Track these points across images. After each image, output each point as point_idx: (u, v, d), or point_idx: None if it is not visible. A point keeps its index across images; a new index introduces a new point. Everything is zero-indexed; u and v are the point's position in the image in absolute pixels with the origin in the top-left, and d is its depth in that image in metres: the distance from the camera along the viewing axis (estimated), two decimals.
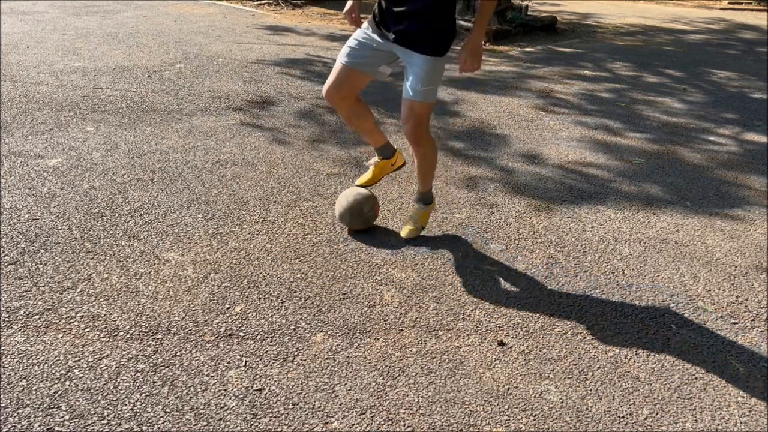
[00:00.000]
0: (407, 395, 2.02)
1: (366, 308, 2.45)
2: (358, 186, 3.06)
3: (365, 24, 2.69)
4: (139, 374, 2.04)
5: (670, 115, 5.10)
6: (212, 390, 2.00)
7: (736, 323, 2.47)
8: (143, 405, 1.92)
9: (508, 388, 2.07)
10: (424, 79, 2.58)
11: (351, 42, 2.70)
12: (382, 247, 2.89)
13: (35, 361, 2.07)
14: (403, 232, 2.97)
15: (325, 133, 4.27)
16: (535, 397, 2.04)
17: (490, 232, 3.08)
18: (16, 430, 1.81)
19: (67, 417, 1.86)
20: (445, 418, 1.93)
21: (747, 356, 2.28)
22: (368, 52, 2.67)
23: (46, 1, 8.87)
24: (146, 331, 2.25)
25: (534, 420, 1.95)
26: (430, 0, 2.49)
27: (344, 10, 2.76)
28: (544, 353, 2.25)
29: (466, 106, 5.08)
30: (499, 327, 2.38)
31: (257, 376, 2.06)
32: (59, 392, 1.95)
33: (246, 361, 2.13)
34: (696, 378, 2.16)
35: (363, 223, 2.97)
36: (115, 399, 1.94)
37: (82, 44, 6.41)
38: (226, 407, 1.93)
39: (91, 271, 2.59)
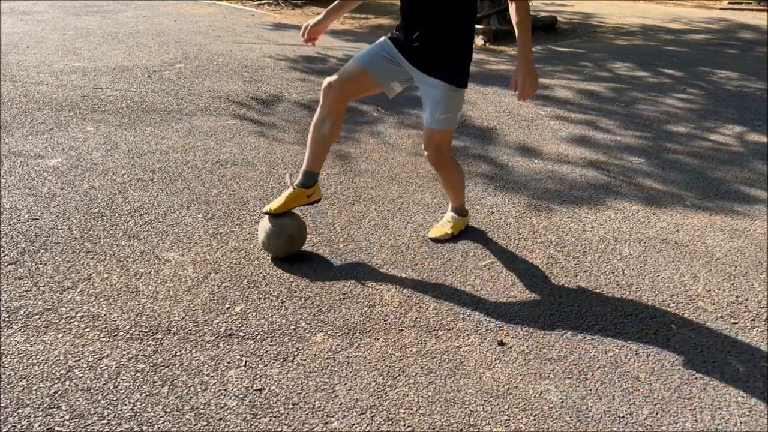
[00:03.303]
0: (407, 395, 2.02)
1: (366, 308, 2.45)
2: (266, 212, 2.69)
3: (386, 38, 2.65)
4: (139, 374, 2.04)
5: (670, 115, 5.10)
6: (212, 390, 2.00)
7: (736, 323, 2.47)
8: (143, 405, 1.92)
9: (508, 388, 2.07)
10: (442, 106, 2.59)
11: (374, 48, 2.64)
12: (382, 246, 2.89)
13: (35, 361, 2.07)
14: (430, 232, 2.98)
15: None
16: (535, 397, 2.04)
17: (490, 232, 3.08)
18: (16, 430, 1.81)
19: (67, 417, 1.86)
20: (445, 418, 1.93)
21: (747, 356, 2.28)
22: (387, 64, 2.62)
23: (46, 1, 8.87)
24: (146, 331, 2.25)
25: (534, 420, 1.95)
26: (447, 31, 2.50)
27: (311, 23, 2.71)
28: (544, 353, 2.25)
29: (466, 106, 5.08)
30: (499, 327, 2.38)
31: (257, 376, 2.06)
32: (59, 392, 1.95)
33: (246, 361, 2.13)
34: (696, 378, 2.16)
35: (286, 245, 2.69)
36: (115, 399, 1.94)
37: (82, 44, 6.41)
38: (226, 407, 1.93)
39: (91, 271, 2.59)
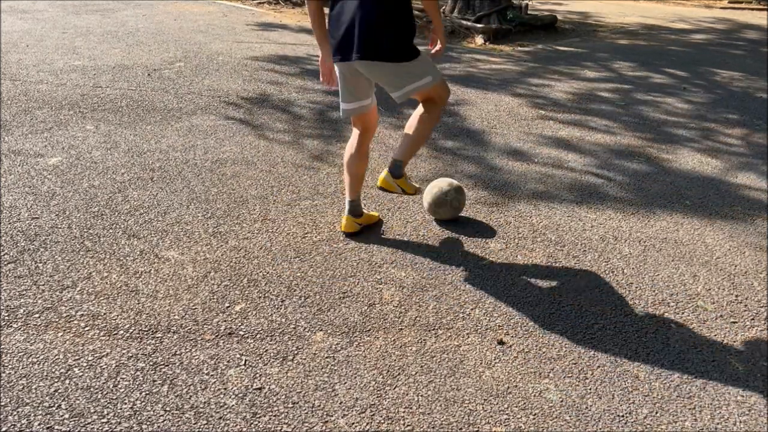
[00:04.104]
0: (407, 394, 2.02)
1: (366, 307, 2.45)
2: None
3: (335, 64, 2.65)
4: (138, 373, 2.04)
5: (670, 115, 5.09)
6: (212, 389, 2.00)
7: (736, 323, 2.47)
8: (143, 404, 1.92)
9: (508, 387, 2.07)
10: (403, 79, 2.63)
11: (341, 84, 2.69)
12: (382, 245, 2.89)
13: (35, 360, 2.07)
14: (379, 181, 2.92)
15: (325, 132, 4.27)
16: (534, 396, 2.04)
17: (490, 232, 3.08)
18: (16, 428, 1.81)
19: (66, 415, 1.86)
20: (444, 417, 1.93)
21: (747, 356, 2.28)
22: (356, 83, 2.66)
23: None
24: (146, 329, 2.25)
25: (534, 419, 1.95)
26: (382, 14, 2.50)
27: (323, 72, 2.68)
28: (544, 352, 2.25)
29: (466, 105, 5.08)
30: (499, 326, 2.38)
31: (257, 375, 2.06)
32: (59, 391, 1.95)
33: (246, 360, 2.13)
34: (695, 377, 2.16)
35: (451, 211, 3.10)
36: (114, 398, 1.94)
37: (81, 43, 6.41)
38: (225, 406, 1.93)
39: (91, 270, 2.59)
